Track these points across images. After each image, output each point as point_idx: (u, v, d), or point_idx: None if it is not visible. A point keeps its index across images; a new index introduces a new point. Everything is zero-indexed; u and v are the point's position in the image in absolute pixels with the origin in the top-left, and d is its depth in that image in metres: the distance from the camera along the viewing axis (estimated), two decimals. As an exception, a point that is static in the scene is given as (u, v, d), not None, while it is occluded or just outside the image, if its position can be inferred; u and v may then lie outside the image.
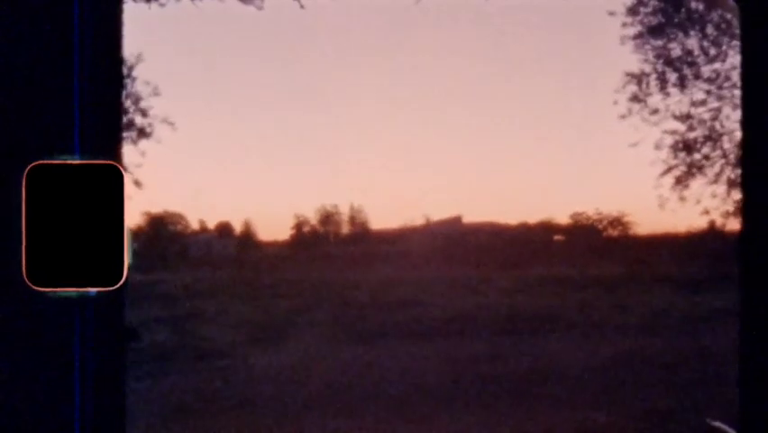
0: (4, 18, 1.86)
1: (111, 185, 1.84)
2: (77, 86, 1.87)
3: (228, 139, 17.05)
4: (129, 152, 13.03)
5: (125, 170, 1.83)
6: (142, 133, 13.21)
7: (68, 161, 1.83)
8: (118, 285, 1.84)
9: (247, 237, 17.28)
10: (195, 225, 17.29)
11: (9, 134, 1.89)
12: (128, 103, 13.16)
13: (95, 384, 1.93)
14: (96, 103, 1.88)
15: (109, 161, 1.80)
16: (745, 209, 1.87)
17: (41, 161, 1.80)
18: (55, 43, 1.87)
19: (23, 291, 1.82)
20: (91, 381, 1.92)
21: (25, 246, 1.83)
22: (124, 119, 13.27)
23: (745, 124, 1.88)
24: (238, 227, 17.33)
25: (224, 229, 17.32)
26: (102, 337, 1.92)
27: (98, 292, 1.91)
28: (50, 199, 1.82)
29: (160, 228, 16.73)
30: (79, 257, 1.85)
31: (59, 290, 1.82)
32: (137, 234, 16.39)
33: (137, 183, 12.91)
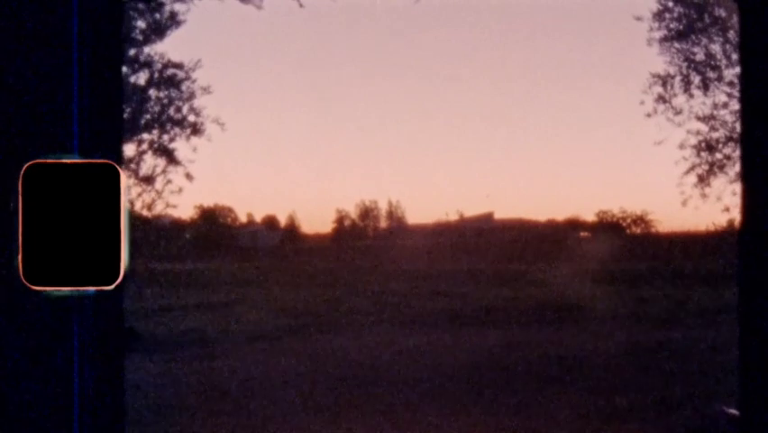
0: (4, 18, 1.74)
1: (108, 184, 1.71)
2: (76, 86, 1.75)
3: (274, 137, 17.04)
4: (182, 148, 13.09)
5: (122, 168, 1.70)
6: (195, 131, 13.26)
7: (65, 161, 1.70)
8: (115, 284, 1.71)
9: (291, 230, 17.30)
10: (243, 218, 17.35)
11: (9, 134, 1.77)
12: (182, 103, 13.23)
13: (94, 384, 1.80)
14: (97, 103, 1.76)
15: (106, 161, 1.67)
16: (744, 206, 1.73)
17: (38, 160, 1.67)
18: (55, 43, 1.75)
19: (21, 291, 1.69)
20: (91, 380, 1.80)
21: (22, 245, 1.71)
22: (178, 117, 13.36)
23: (745, 123, 1.73)
24: (283, 220, 17.36)
25: (271, 222, 17.35)
26: (101, 337, 1.80)
27: (97, 292, 1.78)
28: (47, 198, 1.69)
29: (211, 220, 16.80)
30: (76, 256, 1.73)
31: (56, 289, 1.70)
32: (190, 225, 16.47)
33: (188, 176, 12.99)
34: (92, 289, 1.71)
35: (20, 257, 1.66)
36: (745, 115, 1.69)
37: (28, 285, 1.65)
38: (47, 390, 1.72)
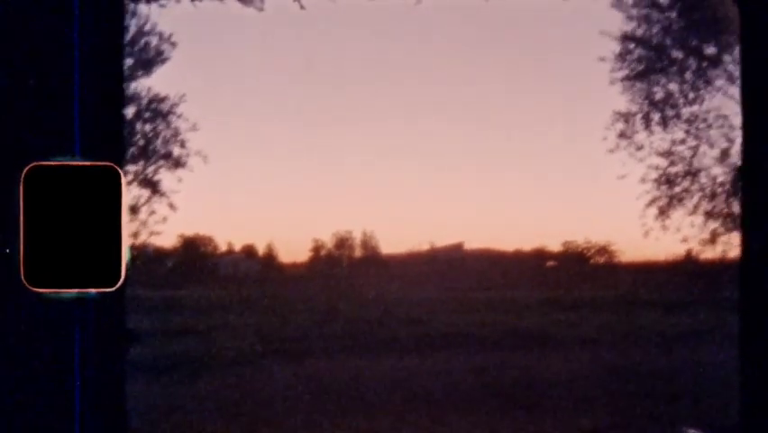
0: (5, 19, 1.68)
1: (109, 186, 1.65)
2: (77, 87, 1.69)
3: (252, 167, 16.98)
4: (167, 179, 13.05)
5: (123, 170, 1.64)
6: (178, 163, 13.23)
7: (66, 162, 1.64)
8: (116, 286, 1.65)
9: (270, 259, 17.19)
10: (223, 247, 17.24)
11: (10, 136, 1.70)
12: (168, 135, 13.20)
13: (95, 385, 1.73)
14: (97, 105, 1.70)
15: (107, 163, 1.61)
16: (744, 210, 1.69)
17: (39, 162, 1.61)
18: (56, 45, 1.69)
19: (22, 293, 1.62)
20: (91, 381, 1.73)
21: (23, 247, 1.64)
22: (163, 150, 13.32)
23: (745, 123, 1.71)
24: (261, 249, 17.24)
25: (249, 251, 17.23)
26: (102, 339, 1.73)
27: (97, 294, 1.71)
28: (48, 200, 1.63)
29: (193, 249, 16.66)
30: (77, 258, 1.66)
31: (56, 291, 1.63)
32: (172, 254, 16.33)
33: (171, 206, 12.98)
34: (93, 291, 1.65)
35: (21, 259, 1.60)
36: (746, 115, 1.66)
37: (29, 287, 1.59)
38: (49, 391, 1.65)
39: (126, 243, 1.69)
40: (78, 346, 1.68)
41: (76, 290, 1.63)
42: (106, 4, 1.67)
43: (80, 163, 1.63)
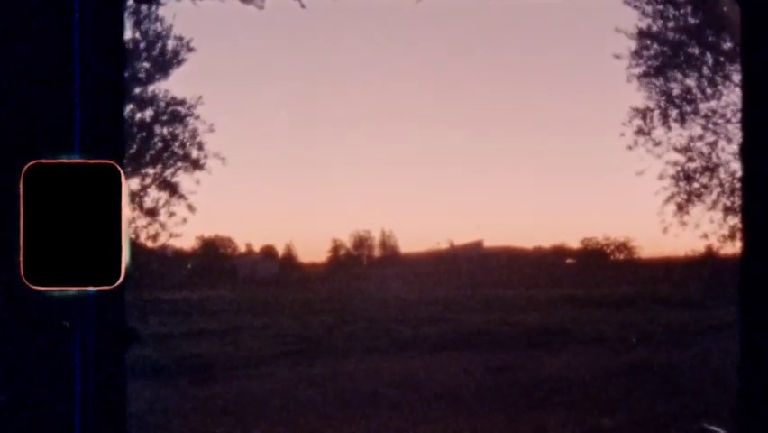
0: (5, 19, 1.68)
1: (109, 184, 1.64)
2: (78, 86, 1.69)
3: (271, 168, 17.02)
4: (185, 181, 13.10)
5: (123, 169, 1.64)
6: (197, 165, 13.27)
7: (66, 161, 1.64)
8: (117, 284, 1.64)
9: (289, 259, 17.21)
10: (242, 248, 17.28)
11: (10, 135, 1.70)
12: (186, 137, 13.26)
13: (95, 383, 1.73)
14: (98, 103, 1.70)
15: (107, 161, 1.61)
16: (744, 212, 1.67)
17: (39, 161, 1.61)
18: (56, 44, 1.69)
19: (22, 291, 1.62)
20: (91, 380, 1.73)
21: (23, 245, 1.64)
22: (181, 152, 13.36)
23: (746, 123, 1.68)
24: (281, 250, 17.27)
25: (269, 252, 17.26)
26: (102, 336, 1.73)
27: (98, 292, 1.71)
28: (48, 198, 1.62)
29: (212, 250, 16.71)
30: (77, 256, 1.66)
31: (56, 289, 1.63)
32: (192, 255, 16.39)
33: (190, 208, 13.02)
34: (93, 289, 1.64)
35: (21, 257, 1.60)
36: (746, 115, 1.64)
37: (29, 285, 1.59)
38: (48, 389, 1.65)
39: (126, 241, 1.69)
40: (79, 344, 1.68)
41: (76, 288, 1.63)
42: (106, 4, 1.67)
43: (80, 162, 1.63)
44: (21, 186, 1.62)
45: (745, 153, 1.66)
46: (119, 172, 1.64)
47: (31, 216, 1.64)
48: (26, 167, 1.62)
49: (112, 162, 1.62)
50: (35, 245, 1.67)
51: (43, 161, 1.64)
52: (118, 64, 1.72)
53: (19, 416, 1.71)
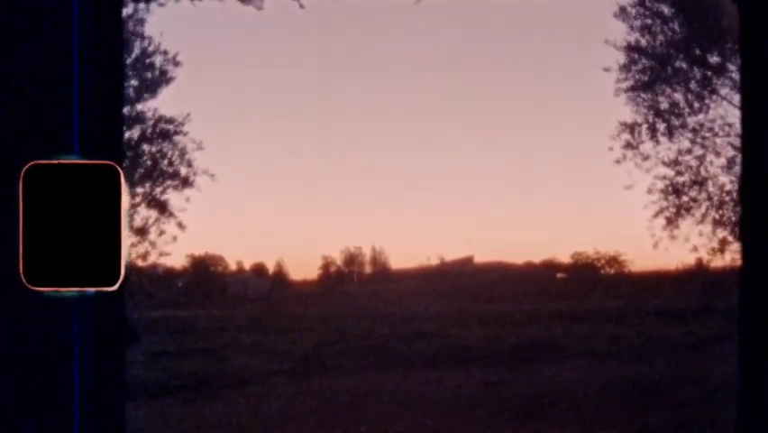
0: (5, 19, 1.68)
1: (109, 184, 1.64)
2: (77, 86, 1.68)
3: (260, 185, 17.00)
4: (174, 198, 13.10)
5: (122, 169, 1.63)
6: (186, 183, 13.27)
7: (66, 161, 1.63)
8: (116, 285, 1.63)
9: (279, 277, 17.18)
10: (233, 266, 17.24)
11: (9, 135, 1.70)
12: (174, 155, 13.26)
13: (95, 384, 1.72)
14: (97, 103, 1.70)
15: (107, 161, 1.60)
16: (744, 213, 1.67)
17: (39, 161, 1.60)
18: (55, 44, 1.69)
19: (22, 291, 1.61)
20: (91, 381, 1.71)
21: (23, 246, 1.63)
22: (170, 170, 13.35)
23: (745, 124, 1.68)
24: (271, 268, 17.24)
25: (259, 269, 17.23)
26: (101, 338, 1.72)
27: (97, 293, 1.70)
28: (48, 199, 1.61)
29: (202, 268, 16.67)
30: (77, 257, 1.65)
31: (56, 290, 1.61)
32: (182, 273, 16.35)
33: (180, 226, 13.02)
34: (92, 290, 1.63)
35: (20, 258, 1.59)
36: (745, 116, 1.64)
37: (28, 286, 1.58)
38: (47, 390, 1.63)
39: (126, 242, 1.68)
40: (78, 346, 1.67)
41: (75, 289, 1.62)
42: (106, 4, 1.66)
43: (80, 162, 1.62)
44: (20, 186, 1.62)
45: (745, 154, 1.66)
46: (119, 173, 1.64)
47: (30, 216, 1.63)
48: (25, 167, 1.61)
49: (111, 163, 1.62)
50: (34, 246, 1.66)
51: (42, 161, 1.63)
52: (117, 64, 1.72)
53: (19, 416, 1.70)
